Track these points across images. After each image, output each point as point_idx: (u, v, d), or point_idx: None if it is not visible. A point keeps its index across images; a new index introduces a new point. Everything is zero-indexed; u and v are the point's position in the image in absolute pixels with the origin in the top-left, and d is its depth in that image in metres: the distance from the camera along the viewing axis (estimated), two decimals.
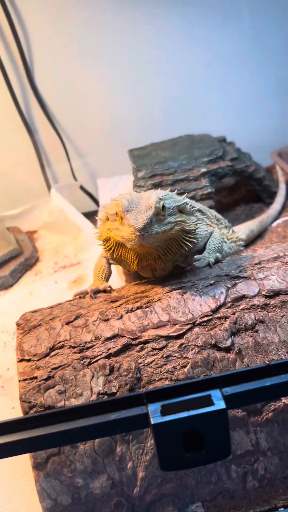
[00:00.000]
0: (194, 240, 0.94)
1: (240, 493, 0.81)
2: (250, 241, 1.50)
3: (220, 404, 0.62)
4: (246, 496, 0.81)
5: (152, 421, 0.61)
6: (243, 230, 1.46)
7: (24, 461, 0.91)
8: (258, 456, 0.80)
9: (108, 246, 0.94)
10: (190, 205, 0.98)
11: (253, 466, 0.80)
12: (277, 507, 0.79)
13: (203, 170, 1.53)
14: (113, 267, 1.14)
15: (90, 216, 1.69)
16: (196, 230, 0.96)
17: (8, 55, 1.83)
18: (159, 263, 0.93)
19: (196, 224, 0.96)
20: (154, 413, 0.62)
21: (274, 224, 1.55)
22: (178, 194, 0.98)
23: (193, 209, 0.98)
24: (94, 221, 1.00)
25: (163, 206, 0.87)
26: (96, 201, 1.95)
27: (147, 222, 0.83)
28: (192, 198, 1.48)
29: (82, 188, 1.96)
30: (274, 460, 0.81)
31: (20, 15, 1.78)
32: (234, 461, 0.80)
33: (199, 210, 1.09)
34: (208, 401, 0.62)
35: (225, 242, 1.11)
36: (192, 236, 0.93)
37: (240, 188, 1.82)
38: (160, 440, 0.63)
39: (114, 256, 0.95)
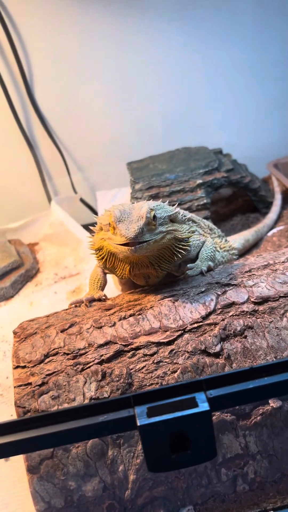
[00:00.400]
0: (187, 248, 0.96)
1: (231, 496, 0.83)
2: (246, 251, 1.52)
3: (204, 406, 0.64)
4: (237, 499, 0.83)
5: (139, 423, 0.64)
6: (239, 239, 1.48)
7: (20, 466, 0.94)
8: (247, 460, 0.82)
9: (100, 256, 0.97)
10: (182, 214, 1.00)
11: (243, 470, 0.82)
12: (267, 510, 0.80)
13: (199, 181, 1.56)
14: (109, 277, 1.17)
15: (90, 228, 1.72)
16: (189, 238, 0.99)
17: (8, 71, 1.88)
18: (153, 271, 0.96)
19: (189, 232, 0.98)
20: (141, 415, 0.64)
21: (270, 234, 1.57)
22: (172, 205, 1.01)
23: (185, 217, 1.01)
24: (92, 232, 1.03)
25: (154, 216, 0.90)
26: (95, 213, 1.99)
27: (138, 232, 0.86)
28: (188, 209, 1.51)
29: (82, 200, 2.00)
30: (264, 464, 0.82)
31: (19, 32, 1.84)
32: (224, 464, 0.81)
33: (191, 220, 1.11)
34: (193, 403, 0.65)
35: (218, 251, 1.13)
36: (185, 244, 0.96)
37: (237, 199, 1.85)
38: (146, 441, 0.65)
39: (107, 265, 0.97)
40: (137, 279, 1.01)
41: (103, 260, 0.97)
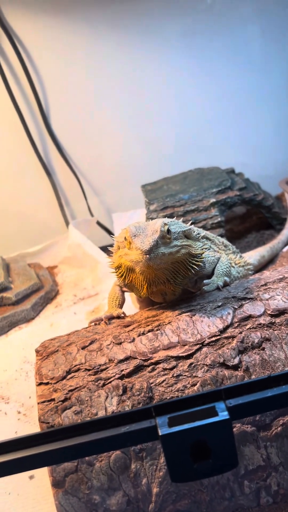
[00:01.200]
0: (200, 264, 0.99)
1: (255, 509, 0.83)
2: (262, 267, 1.53)
3: (224, 415, 0.65)
4: None
5: (160, 432, 0.65)
6: (254, 256, 1.50)
7: (44, 484, 0.95)
8: (270, 471, 0.82)
9: (120, 273, 1.00)
10: (196, 233, 1.03)
11: (266, 482, 0.82)
12: None
13: (212, 200, 1.59)
14: (127, 295, 1.20)
15: (107, 249, 1.76)
16: (203, 254, 1.01)
17: (24, 101, 1.96)
18: (169, 287, 0.98)
19: (202, 249, 1.01)
20: (162, 425, 0.66)
21: (285, 250, 1.59)
22: (186, 223, 1.04)
23: (199, 235, 1.03)
24: (109, 252, 1.06)
25: (169, 230, 0.92)
26: (112, 235, 2.02)
27: (153, 244, 0.88)
28: (202, 227, 1.54)
29: (98, 223, 2.04)
30: (287, 475, 0.82)
31: (34, 63, 1.92)
32: (247, 476, 0.81)
33: (205, 237, 1.14)
34: (213, 412, 0.66)
35: (233, 267, 1.15)
36: (199, 259, 0.98)
37: (251, 217, 1.87)
38: (168, 451, 0.66)
39: (126, 282, 1.00)
40: (155, 296, 1.03)
41: (123, 277, 0.99)
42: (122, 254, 0.96)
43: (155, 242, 0.89)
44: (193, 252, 0.97)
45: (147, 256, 0.88)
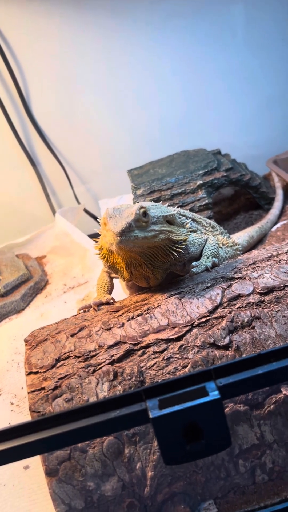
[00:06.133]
0: (181, 251, 0.96)
1: (250, 488, 0.82)
2: (251, 247, 1.52)
3: (214, 395, 0.64)
4: (257, 490, 0.82)
5: (151, 415, 0.64)
6: (243, 237, 1.49)
7: (38, 473, 0.94)
8: (264, 449, 0.82)
9: (102, 254, 0.98)
10: (182, 216, 1.01)
11: (260, 460, 0.82)
12: (287, 499, 0.80)
13: (199, 182, 1.57)
14: (116, 282, 1.18)
15: (95, 237, 1.74)
16: (190, 237, 0.99)
17: (4, 89, 1.92)
18: (147, 271, 0.96)
19: (186, 235, 0.98)
20: (153, 407, 0.65)
21: (274, 229, 1.58)
22: (178, 207, 1.03)
23: (186, 221, 1.02)
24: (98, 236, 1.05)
25: (146, 214, 0.90)
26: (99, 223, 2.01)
27: (125, 227, 0.86)
28: (190, 210, 1.52)
29: (85, 211, 2.02)
30: (281, 453, 0.82)
31: (12, 49, 1.88)
32: (241, 455, 0.81)
33: (193, 220, 1.13)
34: (203, 392, 0.65)
35: (221, 248, 1.14)
36: (180, 246, 0.96)
37: (239, 198, 1.86)
38: (160, 434, 0.65)
39: (109, 264, 0.98)
40: (138, 280, 1.01)
41: (105, 259, 0.98)
42: (102, 236, 0.94)
43: (127, 224, 0.87)
44: (174, 238, 0.95)
45: (118, 238, 0.86)
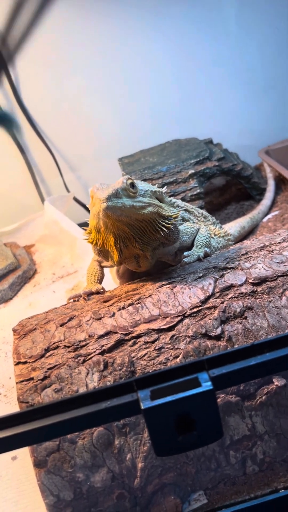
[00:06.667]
0: (171, 227, 0.95)
1: (241, 478, 0.82)
2: (243, 237, 1.52)
3: (207, 385, 0.63)
4: (247, 481, 0.82)
5: (143, 406, 0.63)
6: (235, 227, 1.48)
7: (27, 464, 0.93)
8: (255, 440, 0.81)
9: (91, 239, 0.95)
10: (172, 200, 1.00)
11: (251, 451, 0.81)
12: (278, 489, 0.80)
13: (191, 171, 1.56)
14: (106, 271, 1.17)
15: (85, 226, 1.72)
16: (182, 227, 0.98)
17: None
18: (137, 247, 0.93)
19: (175, 214, 0.97)
20: (144, 398, 0.64)
21: (265, 220, 1.57)
22: (169, 196, 1.01)
23: (176, 202, 1.00)
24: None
25: (134, 185, 0.89)
26: (89, 211, 1.98)
27: (112, 193, 0.85)
28: (182, 199, 1.51)
29: (75, 199, 1.99)
30: (272, 444, 0.81)
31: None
32: (232, 446, 0.81)
33: (185, 209, 1.11)
34: (196, 383, 0.64)
35: (213, 238, 1.13)
36: (169, 222, 0.95)
37: (230, 188, 1.85)
38: (152, 425, 0.64)
39: (98, 248, 0.95)
40: (128, 262, 0.98)
41: (94, 242, 0.95)
42: (90, 215, 0.92)
43: (114, 191, 0.85)
44: (164, 213, 0.94)
45: (105, 204, 0.84)
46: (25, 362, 0.87)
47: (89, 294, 1.02)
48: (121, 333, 0.86)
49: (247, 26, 2.00)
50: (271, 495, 0.79)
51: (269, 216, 1.58)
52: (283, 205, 1.60)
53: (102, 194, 0.85)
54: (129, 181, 0.88)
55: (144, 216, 0.90)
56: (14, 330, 0.96)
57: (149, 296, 0.92)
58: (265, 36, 2.03)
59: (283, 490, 0.79)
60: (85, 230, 1.02)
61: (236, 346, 0.83)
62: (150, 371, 0.82)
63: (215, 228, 1.19)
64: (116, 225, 0.89)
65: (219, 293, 0.89)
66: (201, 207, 1.49)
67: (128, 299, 0.94)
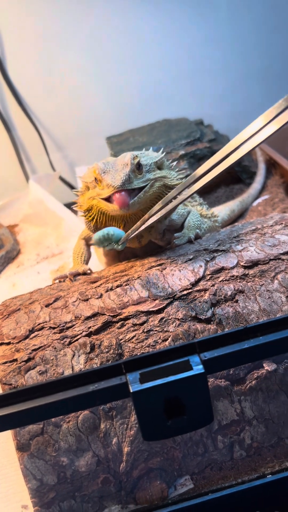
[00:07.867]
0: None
1: (228, 463, 0.81)
2: (232, 221, 1.49)
3: (199, 369, 0.61)
4: (234, 466, 0.81)
5: (131, 389, 0.61)
6: (224, 210, 1.46)
7: (8, 447, 0.91)
8: (244, 426, 0.80)
9: (90, 216, 0.93)
10: (169, 162, 0.99)
11: (239, 436, 0.80)
12: (265, 475, 0.79)
13: (181, 152, 1.52)
14: (93, 251, 1.14)
15: (70, 206, 1.68)
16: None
17: None
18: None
19: (177, 179, 0.96)
20: (133, 381, 0.62)
21: (255, 203, 1.55)
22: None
23: (172, 163, 0.99)
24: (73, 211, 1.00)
25: (139, 164, 0.87)
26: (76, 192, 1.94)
27: (125, 179, 0.84)
28: None
29: (61, 178, 1.94)
30: (260, 429, 0.80)
31: None
32: (220, 431, 0.79)
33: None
34: (187, 366, 0.62)
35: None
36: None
37: None
38: (140, 408, 0.62)
39: (98, 226, 0.93)
40: (130, 240, 0.96)
41: (94, 221, 0.93)
42: (94, 196, 0.89)
43: (127, 176, 0.84)
44: (169, 183, 0.93)
45: (125, 208, 0.85)
46: (8, 343, 0.84)
47: (76, 275, 0.99)
48: (109, 315, 0.84)
49: (240, 5, 1.96)
50: (258, 480, 0.78)
51: (259, 200, 1.56)
52: (273, 189, 1.58)
53: (113, 181, 0.84)
54: (136, 160, 0.87)
55: (153, 195, 0.90)
56: None
57: (138, 277, 0.89)
58: (258, 16, 1.99)
59: (270, 476, 0.78)
60: (74, 208, 0.99)
61: (226, 329, 0.81)
62: (138, 354, 0.80)
63: (202, 208, 1.16)
64: (129, 214, 0.89)
65: (210, 275, 0.87)
66: None
67: (116, 281, 0.91)
